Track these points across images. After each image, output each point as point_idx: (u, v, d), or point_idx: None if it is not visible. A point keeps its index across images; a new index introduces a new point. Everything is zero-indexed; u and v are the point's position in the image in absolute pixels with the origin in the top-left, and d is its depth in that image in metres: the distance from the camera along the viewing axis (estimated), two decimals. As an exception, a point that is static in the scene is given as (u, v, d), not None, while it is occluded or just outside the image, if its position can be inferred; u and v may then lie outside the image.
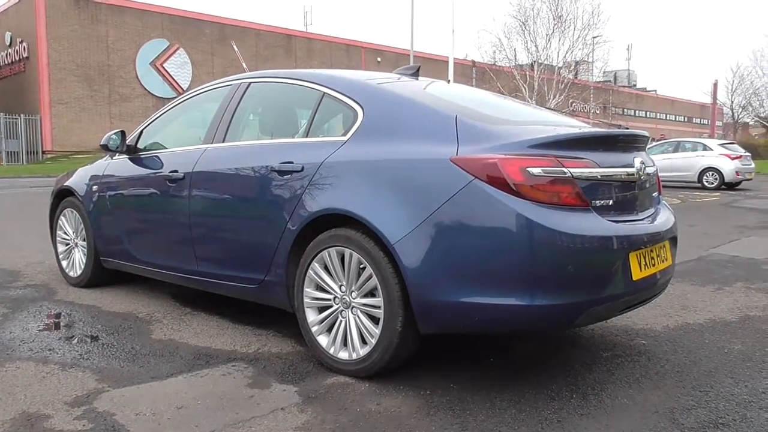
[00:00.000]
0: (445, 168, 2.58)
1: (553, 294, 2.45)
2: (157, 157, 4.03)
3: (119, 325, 3.68)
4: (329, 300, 2.96)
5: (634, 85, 60.18)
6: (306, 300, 3.03)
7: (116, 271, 4.50)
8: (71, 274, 4.69)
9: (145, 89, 33.31)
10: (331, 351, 2.93)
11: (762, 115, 42.92)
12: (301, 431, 2.34)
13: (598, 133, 2.92)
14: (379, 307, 2.73)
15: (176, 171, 3.71)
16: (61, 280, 4.84)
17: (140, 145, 4.23)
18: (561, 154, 2.55)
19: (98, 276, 4.54)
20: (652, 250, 2.82)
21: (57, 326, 3.68)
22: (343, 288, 2.90)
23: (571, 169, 2.52)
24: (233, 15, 43.02)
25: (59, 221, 4.80)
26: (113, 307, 4.09)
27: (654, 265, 2.83)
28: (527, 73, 28.39)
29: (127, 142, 4.23)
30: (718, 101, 50.16)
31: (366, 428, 2.37)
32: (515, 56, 27.45)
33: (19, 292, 4.49)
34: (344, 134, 3.01)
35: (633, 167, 2.82)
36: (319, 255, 2.94)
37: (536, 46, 26.89)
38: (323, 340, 2.98)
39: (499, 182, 2.46)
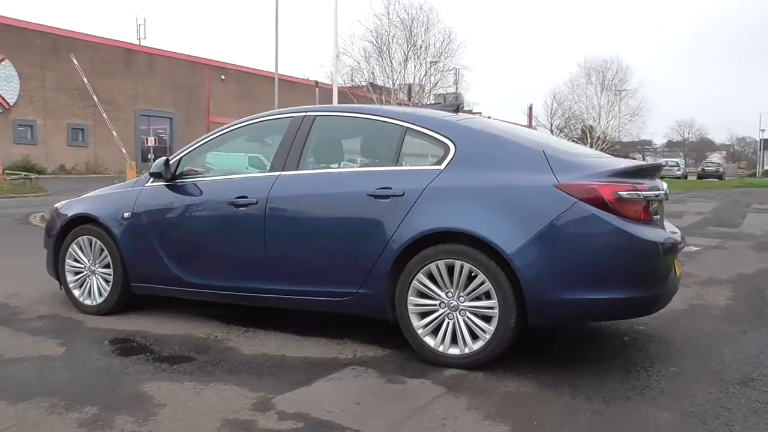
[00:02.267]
0: (550, 192, 3.25)
1: (642, 287, 3.22)
2: (212, 184, 4.24)
3: (196, 346, 3.84)
4: (434, 305, 3.46)
5: (462, 108, 64.81)
6: (410, 307, 3.50)
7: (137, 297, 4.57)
8: (87, 302, 4.62)
9: (-34, 105, 30.08)
10: (440, 349, 3.43)
11: (577, 136, 48.81)
12: (471, 410, 2.85)
13: (647, 164, 3.74)
14: (491, 308, 3.31)
15: (245, 197, 3.96)
16: (68, 309, 4.72)
17: (179, 173, 4.37)
18: (632, 181, 3.33)
19: (123, 302, 4.55)
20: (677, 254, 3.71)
21: (134, 351, 3.75)
22: (450, 294, 3.42)
23: (642, 192, 3.31)
24: (64, 25, 39.94)
25: (69, 250, 4.69)
26: (163, 330, 4.17)
27: (679, 267, 3.71)
28: (383, 96, 29.90)
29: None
30: (540, 123, 56.01)
31: (517, 403, 2.94)
32: (374, 79, 28.85)
33: (40, 324, 4.35)
34: (439, 164, 3.56)
35: (662, 189, 3.69)
36: (426, 267, 3.44)
37: (392, 70, 28.51)
38: (430, 340, 3.47)
39: (599, 203, 3.18)
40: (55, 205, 5.12)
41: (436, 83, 28.67)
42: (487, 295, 3.33)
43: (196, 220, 4.21)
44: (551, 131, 55.58)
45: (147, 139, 29.13)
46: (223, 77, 41.06)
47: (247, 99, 42.79)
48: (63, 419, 2.73)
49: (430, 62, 31.48)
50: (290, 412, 2.80)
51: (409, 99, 34.57)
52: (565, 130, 52.05)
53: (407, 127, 3.75)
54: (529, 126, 63.11)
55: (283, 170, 3.97)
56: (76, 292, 4.69)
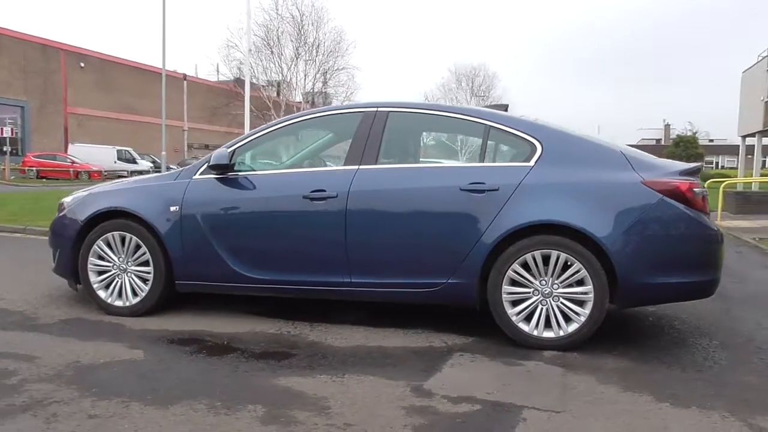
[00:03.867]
0: (639, 189, 3.64)
1: (710, 272, 3.72)
2: (277, 177, 4.17)
3: (279, 342, 3.78)
4: (527, 293, 3.72)
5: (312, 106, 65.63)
6: (504, 295, 3.73)
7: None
8: (118, 303, 4.30)
9: None
10: (535, 333, 3.70)
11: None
12: (606, 384, 3.16)
13: (698, 165, 4.22)
14: (585, 293, 3.63)
15: (323, 190, 3.94)
16: (87, 310, 4.39)
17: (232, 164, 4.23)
18: (694, 179, 3.81)
19: (163, 301, 4.31)
20: None
21: (220, 351, 3.60)
22: (543, 282, 3.70)
23: (701, 189, 3.81)
24: None
25: (94, 247, 4.32)
26: (224, 329, 4.02)
27: None
28: (269, 95, 29.46)
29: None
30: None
31: (633, 376, 3.29)
32: (266, 74, 28.33)
33: (74, 329, 4.02)
34: (527, 161, 3.82)
35: (704, 187, 4.22)
36: (522, 258, 3.68)
37: (281, 67, 28.24)
38: (524, 326, 3.72)
39: (680, 198, 3.62)
40: (64, 200, 4.66)
41: (326, 81, 28.71)
42: (580, 282, 3.64)
43: (262, 214, 4.10)
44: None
45: (2, 129, 26.18)
46: (82, 64, 37.90)
47: (111, 90, 39.92)
48: (238, 419, 2.64)
49: (306, 60, 31.45)
50: (454, 396, 2.93)
51: (278, 95, 34.29)
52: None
53: (490, 126, 3.96)
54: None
55: (360, 164, 4.00)
56: (102, 293, 4.34)
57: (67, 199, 4.63)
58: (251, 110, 26.46)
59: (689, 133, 51.75)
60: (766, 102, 30.36)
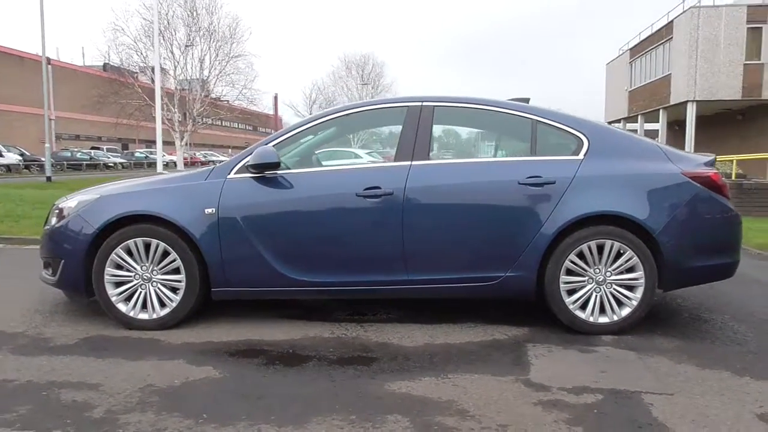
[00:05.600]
0: (680, 179, 3.90)
1: (737, 253, 4.08)
2: (325, 175, 4.05)
3: (347, 346, 3.66)
4: (582, 281, 3.88)
5: (209, 94, 63.10)
6: (561, 285, 3.86)
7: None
8: (143, 316, 3.95)
9: None
10: (591, 319, 3.88)
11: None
12: (681, 364, 3.39)
13: (715, 157, 4.54)
14: (636, 279, 3.85)
15: (378, 187, 3.85)
16: (102, 326, 4.00)
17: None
18: (716, 169, 4.15)
19: (194, 311, 4.01)
20: None
21: (295, 360, 3.43)
22: (597, 270, 3.87)
23: (723, 178, 4.16)
24: None
25: (112, 256, 3.91)
26: (275, 336, 3.83)
27: None
28: (164, 88, 27.77)
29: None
30: (299, 113, 57.17)
31: (695, 355, 3.55)
32: (162, 61, 26.56)
33: (106, 348, 3.64)
34: (576, 154, 3.96)
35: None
36: (578, 248, 3.83)
37: (173, 53, 26.73)
38: (580, 313, 3.88)
39: (713, 186, 3.94)
40: (62, 205, 4.15)
41: (224, 68, 27.56)
42: (631, 269, 3.85)
43: (312, 214, 3.91)
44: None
45: None
46: None
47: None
48: None
49: (186, 46, 30.03)
50: (569, 387, 3.02)
51: (153, 82, 32.43)
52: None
53: (537, 121, 4.05)
54: (275, 115, 63.78)
55: (413, 160, 3.93)
56: (122, 307, 3.96)
57: (69, 204, 4.13)
58: (143, 100, 24.89)
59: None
60: (629, 91, 33.36)
